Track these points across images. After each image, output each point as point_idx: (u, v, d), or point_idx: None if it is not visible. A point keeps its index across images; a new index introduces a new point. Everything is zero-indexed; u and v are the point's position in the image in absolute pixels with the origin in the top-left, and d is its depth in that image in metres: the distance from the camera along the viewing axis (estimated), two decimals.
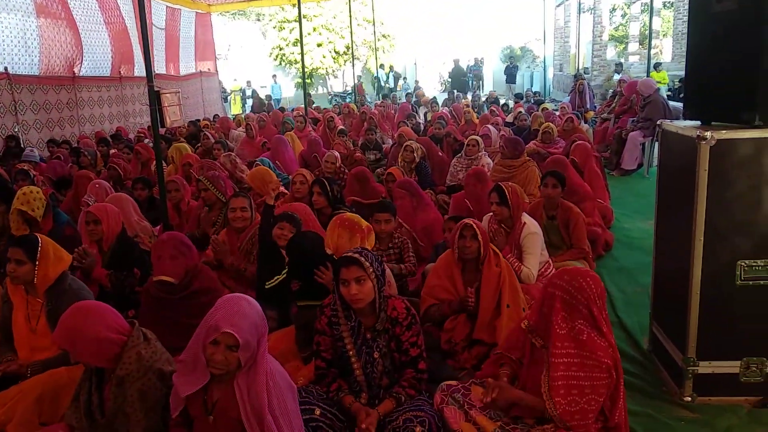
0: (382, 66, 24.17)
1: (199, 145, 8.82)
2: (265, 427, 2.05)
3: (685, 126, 2.90)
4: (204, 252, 4.20)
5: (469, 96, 18.27)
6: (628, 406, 2.68)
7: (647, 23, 16.28)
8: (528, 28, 27.86)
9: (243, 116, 13.29)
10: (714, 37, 2.83)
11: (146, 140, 9.88)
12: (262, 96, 21.21)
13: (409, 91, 20.13)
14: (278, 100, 22.89)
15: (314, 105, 15.62)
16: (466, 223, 3.21)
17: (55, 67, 11.43)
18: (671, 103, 8.95)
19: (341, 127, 10.30)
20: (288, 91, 27.02)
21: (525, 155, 6.22)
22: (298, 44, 14.70)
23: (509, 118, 11.24)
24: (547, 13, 21.19)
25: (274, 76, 25.47)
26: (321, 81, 30.92)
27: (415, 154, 6.35)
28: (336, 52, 28.11)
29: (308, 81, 24.59)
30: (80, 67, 12.12)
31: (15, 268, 2.93)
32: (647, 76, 10.60)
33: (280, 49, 28.32)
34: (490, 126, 8.12)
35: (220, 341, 2.03)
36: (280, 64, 28.64)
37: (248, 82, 24.54)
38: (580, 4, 22.47)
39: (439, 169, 6.94)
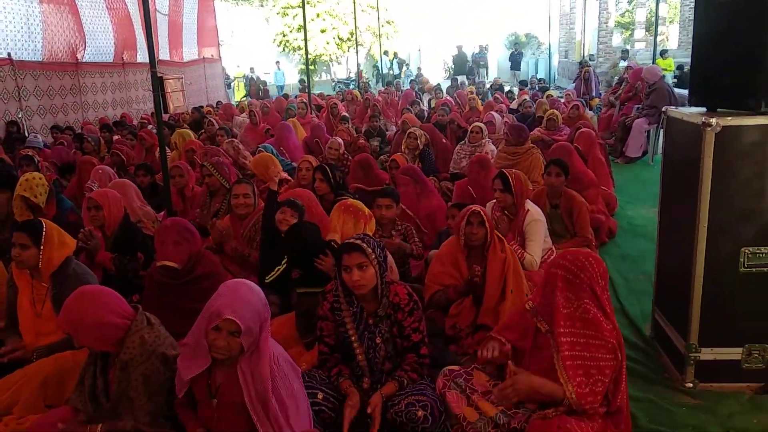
0: (386, 52, 24.03)
1: (202, 131, 8.81)
2: (270, 411, 2.07)
3: (691, 113, 2.89)
4: (207, 238, 4.21)
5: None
6: (630, 392, 2.69)
7: (654, 9, 16.14)
8: (533, 14, 27.58)
9: (246, 103, 13.26)
10: (720, 24, 2.81)
11: (149, 126, 9.88)
12: (270, 84, 21.08)
13: (413, 77, 20.02)
14: (281, 87, 22.80)
15: (318, 92, 15.57)
16: (473, 209, 3.21)
17: (58, 53, 11.41)
18: (677, 90, 8.89)
19: (344, 113, 10.28)
20: (292, 78, 26.91)
21: (529, 142, 6.19)
22: (302, 30, 14.62)
23: (513, 105, 11.19)
24: None
25: (278, 62, 25.35)
26: (324, 68, 30.76)
27: (418, 141, 6.32)
28: (340, 39, 27.95)
29: (312, 68, 24.46)
30: (83, 53, 12.10)
31: (20, 253, 2.94)
32: (653, 64, 10.55)
33: (284, 36, 28.17)
34: (494, 113, 8.07)
35: (222, 327, 2.04)
36: (284, 50, 28.51)
37: (251, 69, 24.44)
38: None
39: (442, 156, 6.92)
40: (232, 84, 23.04)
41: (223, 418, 2.12)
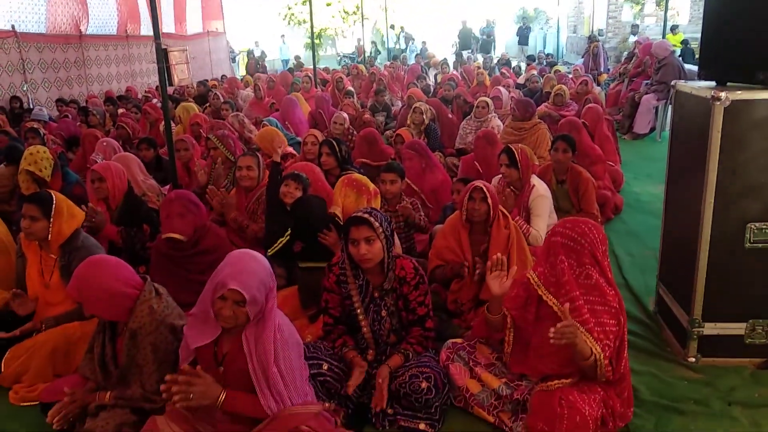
0: (392, 26, 23.73)
1: (207, 105, 8.77)
2: (270, 379, 2.10)
3: (700, 86, 2.85)
4: (213, 211, 4.22)
5: (479, 58, 17.96)
6: (632, 366, 2.72)
7: None
8: None
9: (251, 77, 13.18)
10: None
11: (154, 100, 9.84)
12: (273, 60, 20.85)
13: (417, 52, 19.81)
14: (286, 61, 22.59)
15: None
16: (476, 185, 3.19)
17: (62, 26, 11.33)
18: (687, 66, 8.77)
19: (350, 88, 10.20)
20: (297, 52, 26.66)
21: (536, 117, 6.15)
22: (307, 3, 14.44)
23: (521, 80, 11.08)
24: None
25: (283, 36, 25.09)
26: (330, 41, 30.44)
27: (424, 116, 6.28)
28: (345, 12, 27.61)
29: (317, 41, 24.19)
30: (86, 25, 12.00)
31: (30, 224, 2.96)
32: (663, 39, 10.38)
33: (289, 9, 27.84)
34: (501, 87, 8.00)
35: (227, 297, 2.06)
36: (289, 23, 28.20)
37: (256, 43, 24.20)
38: None
39: (448, 132, 6.88)
40: (236, 58, 22.82)
41: (229, 385, 2.15)
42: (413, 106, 6.46)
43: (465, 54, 17.65)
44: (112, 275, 2.32)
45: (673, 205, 3.26)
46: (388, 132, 7.49)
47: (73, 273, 2.32)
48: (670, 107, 3.47)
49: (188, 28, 16.54)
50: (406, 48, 23.46)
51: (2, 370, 2.92)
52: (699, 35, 3.15)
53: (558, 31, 21.66)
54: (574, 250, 2.30)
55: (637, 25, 18.75)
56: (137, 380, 2.35)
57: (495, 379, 2.55)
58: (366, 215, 2.50)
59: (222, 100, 8.50)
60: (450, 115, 7.35)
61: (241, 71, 20.85)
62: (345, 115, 6.44)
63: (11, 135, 6.43)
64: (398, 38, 24.50)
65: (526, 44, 22.87)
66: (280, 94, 9.89)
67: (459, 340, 2.76)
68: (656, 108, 8.28)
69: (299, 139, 6.27)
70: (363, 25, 17.23)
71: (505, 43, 25.74)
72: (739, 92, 2.61)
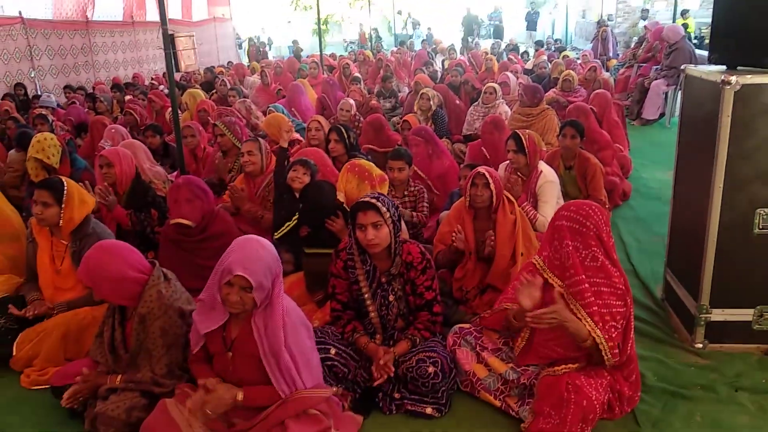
0: (399, 12, 23.55)
1: (214, 91, 8.76)
2: (282, 364, 2.12)
3: (710, 71, 2.82)
4: (221, 198, 4.24)
5: (485, 43, 17.82)
6: (639, 352, 2.72)
7: None
8: None
9: (257, 63, 13.14)
10: None
11: (161, 87, 9.83)
12: (278, 47, 20.73)
13: (423, 38, 19.66)
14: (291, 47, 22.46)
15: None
16: (479, 171, 3.18)
17: (68, 12, 11.33)
18: (698, 51, 8.66)
19: (356, 74, 10.16)
20: (304, 38, 26.53)
21: (544, 103, 6.11)
22: None
23: (529, 66, 10.99)
24: None
25: (289, 21, 24.95)
26: (337, 27, 30.26)
27: (431, 102, 6.26)
28: None
29: (324, 27, 24.04)
30: (92, 11, 11.98)
31: (42, 210, 2.97)
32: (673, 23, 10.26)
33: None
34: (508, 73, 7.95)
35: (234, 283, 2.08)
36: (295, 9, 28.03)
37: (262, 29, 24.10)
38: None
39: (455, 118, 6.85)
40: (243, 44, 22.74)
41: (238, 370, 2.17)
42: (420, 92, 6.43)
43: (469, 40, 17.50)
44: (121, 260, 2.34)
45: (681, 191, 3.24)
46: (395, 118, 7.46)
47: (83, 258, 2.34)
48: (679, 93, 3.43)
49: (194, 14, 16.48)
50: (412, 34, 23.32)
51: (14, 353, 2.95)
52: (709, 20, 3.12)
53: (567, 16, 21.42)
54: (579, 232, 2.30)
55: (647, 10, 18.49)
56: (147, 364, 2.38)
57: (502, 364, 2.56)
58: (373, 200, 2.50)
59: (229, 86, 8.49)
60: (457, 101, 7.31)
61: (245, 58, 20.77)
62: (352, 101, 6.42)
63: (20, 122, 6.45)
64: (405, 23, 24.31)
65: (535, 29, 22.65)
66: (287, 80, 9.86)
67: (466, 325, 2.77)
68: (666, 93, 8.20)
69: (305, 125, 6.26)
70: (370, 11, 17.06)
71: (513, 28, 25.50)
72: (750, 76, 2.58)
